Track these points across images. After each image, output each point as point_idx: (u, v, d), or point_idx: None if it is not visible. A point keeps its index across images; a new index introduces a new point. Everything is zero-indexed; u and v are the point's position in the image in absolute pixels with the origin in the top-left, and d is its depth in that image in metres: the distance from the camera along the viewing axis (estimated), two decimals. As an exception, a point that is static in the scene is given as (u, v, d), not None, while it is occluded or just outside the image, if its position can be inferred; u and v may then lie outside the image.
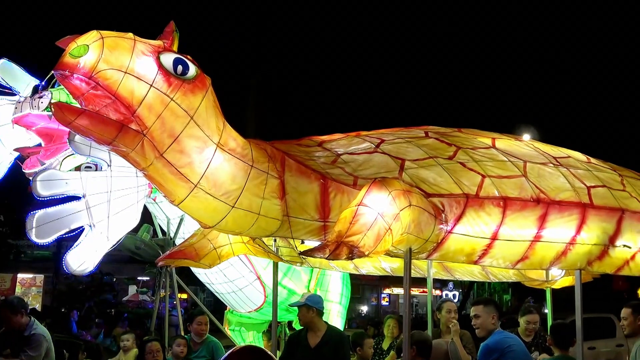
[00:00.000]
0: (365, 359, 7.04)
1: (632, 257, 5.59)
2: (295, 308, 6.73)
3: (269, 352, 3.70)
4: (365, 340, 7.09)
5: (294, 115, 40.16)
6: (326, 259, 4.43)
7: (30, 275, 32.18)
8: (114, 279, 28.52)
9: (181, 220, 8.55)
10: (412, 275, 4.95)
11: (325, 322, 6.72)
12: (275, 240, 6.27)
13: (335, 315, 9.07)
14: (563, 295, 7.72)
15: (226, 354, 3.52)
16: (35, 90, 6.99)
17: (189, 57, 4.31)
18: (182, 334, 9.01)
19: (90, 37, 3.96)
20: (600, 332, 14.36)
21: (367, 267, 7.17)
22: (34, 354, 6.50)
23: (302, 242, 6.07)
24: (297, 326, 8.73)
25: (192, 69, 4.27)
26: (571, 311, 5.98)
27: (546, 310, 7.76)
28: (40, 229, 6.81)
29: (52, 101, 6.50)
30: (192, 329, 7.58)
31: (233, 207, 4.60)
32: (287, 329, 10.19)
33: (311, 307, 6.45)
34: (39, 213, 6.82)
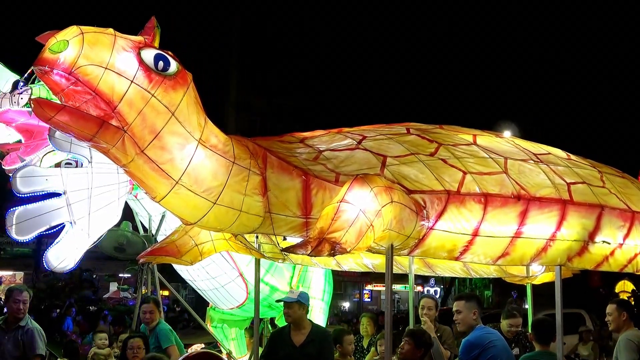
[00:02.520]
0: (346, 355, 7.06)
1: (612, 253, 5.64)
2: (279, 304, 6.71)
3: (224, 358, 3.68)
4: (344, 337, 7.11)
5: (274, 110, 40.10)
6: (308, 255, 4.43)
7: (10, 273, 31.92)
8: (94, 276, 28.37)
9: (163, 217, 8.51)
10: (393, 272, 4.96)
11: (310, 320, 6.72)
12: (257, 237, 6.26)
13: (317, 312, 9.08)
14: (543, 291, 7.79)
15: (181, 357, 3.49)
16: (15, 86, 6.94)
17: (170, 52, 4.29)
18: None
19: (70, 33, 3.93)
20: (571, 328, 14.42)
21: (349, 263, 7.18)
22: (41, 346, 6.57)
23: (284, 239, 6.07)
24: (280, 323, 8.73)
25: (173, 65, 4.25)
26: (550, 307, 6.03)
27: (526, 306, 7.82)
28: (21, 225, 6.78)
29: (32, 97, 6.46)
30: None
31: (214, 203, 4.59)
32: (269, 326, 10.19)
33: (303, 304, 6.46)
34: (19, 210, 6.78)
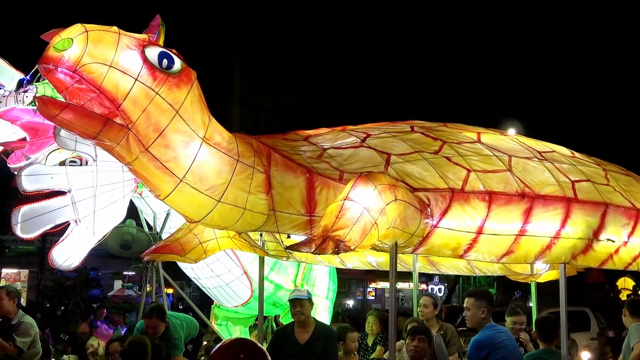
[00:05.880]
0: (349, 352, 7.06)
1: (616, 251, 5.64)
2: (284, 302, 6.70)
3: (259, 345, 3.70)
4: (347, 334, 7.10)
5: (278, 108, 40.13)
6: (312, 253, 4.44)
7: (15, 270, 31.96)
8: (100, 274, 28.37)
9: (167, 215, 8.52)
10: (398, 270, 4.97)
11: (314, 318, 6.72)
12: (261, 235, 6.27)
13: (322, 310, 9.08)
14: (547, 289, 7.78)
15: (216, 346, 3.52)
16: (20, 84, 6.95)
17: (174, 50, 4.29)
18: None
19: (75, 31, 3.94)
20: (576, 326, 14.36)
21: (353, 261, 7.18)
22: (24, 340, 6.54)
23: (288, 237, 6.07)
24: (284, 320, 8.73)
25: (178, 63, 4.25)
26: (554, 305, 6.03)
27: (531, 304, 7.81)
28: (26, 224, 6.78)
29: (37, 95, 6.46)
30: None
31: (219, 201, 4.59)
32: (274, 324, 10.20)
33: (312, 302, 6.47)
34: (24, 208, 6.79)
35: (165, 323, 7.19)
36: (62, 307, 22.14)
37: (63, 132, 6.35)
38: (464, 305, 5.87)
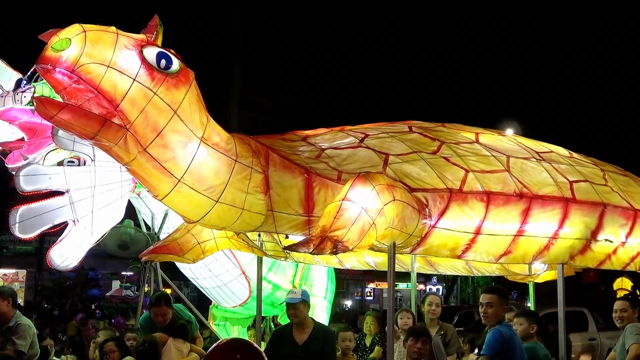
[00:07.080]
0: (346, 352, 7.04)
1: (614, 251, 5.65)
2: (282, 303, 6.67)
3: (255, 345, 3.71)
4: (339, 333, 7.07)
5: (277, 108, 40.12)
6: (310, 253, 4.44)
7: (13, 271, 31.87)
8: (98, 274, 28.32)
9: (165, 215, 8.51)
10: (396, 270, 4.97)
11: (312, 318, 6.70)
12: (259, 235, 6.26)
13: (320, 310, 9.07)
14: (545, 289, 7.77)
15: (212, 347, 3.53)
16: (18, 84, 6.94)
17: (172, 51, 4.29)
18: None
19: (73, 31, 3.93)
20: (573, 326, 14.30)
21: (351, 261, 7.18)
22: (22, 342, 6.49)
23: (287, 237, 6.07)
24: (282, 321, 8.72)
25: (176, 63, 4.25)
26: (553, 305, 6.00)
27: (528, 304, 7.80)
28: (24, 224, 6.77)
29: (35, 95, 6.46)
30: None
31: (217, 201, 4.59)
32: (272, 324, 10.19)
33: (307, 302, 6.43)
34: (22, 208, 6.78)
35: (172, 309, 7.21)
36: (60, 308, 22.12)
37: (61, 132, 6.34)
38: (485, 301, 5.51)
